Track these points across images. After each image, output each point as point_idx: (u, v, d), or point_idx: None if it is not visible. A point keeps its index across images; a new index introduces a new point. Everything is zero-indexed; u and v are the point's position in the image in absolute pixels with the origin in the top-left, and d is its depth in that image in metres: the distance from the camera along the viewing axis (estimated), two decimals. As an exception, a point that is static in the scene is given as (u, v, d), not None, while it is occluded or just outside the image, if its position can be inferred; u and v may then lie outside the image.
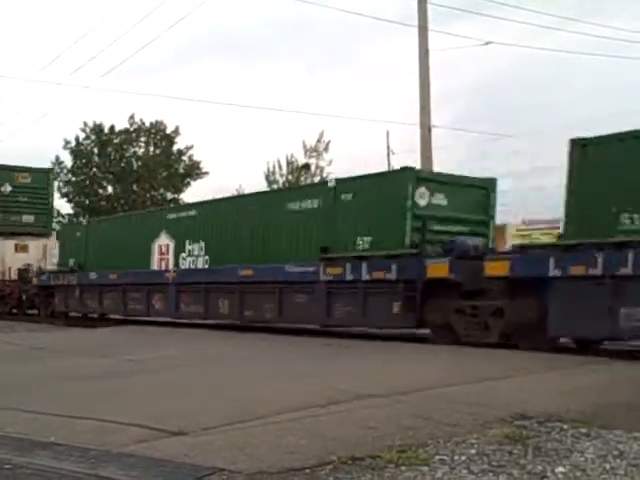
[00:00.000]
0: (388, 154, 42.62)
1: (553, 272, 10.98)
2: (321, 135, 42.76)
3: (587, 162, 11.28)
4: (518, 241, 19.32)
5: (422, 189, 13.72)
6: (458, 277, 12.36)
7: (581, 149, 11.31)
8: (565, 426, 5.58)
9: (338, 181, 15.11)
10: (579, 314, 10.69)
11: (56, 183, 45.72)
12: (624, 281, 10.29)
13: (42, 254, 26.65)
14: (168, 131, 47.25)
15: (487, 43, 23.38)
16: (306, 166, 42.85)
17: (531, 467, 4.49)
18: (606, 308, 10.37)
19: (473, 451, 4.89)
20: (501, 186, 15.18)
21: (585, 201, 11.28)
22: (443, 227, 13.95)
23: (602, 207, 11.00)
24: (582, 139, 11.32)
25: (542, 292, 11.27)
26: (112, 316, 22.24)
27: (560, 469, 4.42)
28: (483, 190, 14.89)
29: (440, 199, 14.06)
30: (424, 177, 14.43)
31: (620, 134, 11.05)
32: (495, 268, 11.82)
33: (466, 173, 15.90)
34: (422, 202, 13.70)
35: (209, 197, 21.35)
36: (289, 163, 43.86)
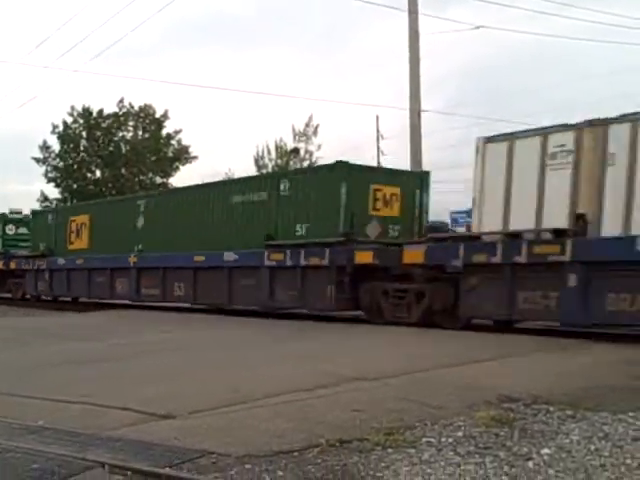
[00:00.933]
0: (378, 138, 42.63)
1: (460, 260, 12.16)
2: (310, 119, 42.70)
3: None
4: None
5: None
6: (383, 263, 13.49)
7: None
8: (551, 408, 5.62)
9: (280, 174, 17.11)
10: (483, 297, 11.89)
11: (43, 168, 45.69)
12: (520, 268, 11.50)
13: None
14: (157, 115, 47.02)
15: (478, 27, 23.36)
16: (295, 150, 42.76)
17: (517, 449, 4.53)
18: (506, 292, 11.60)
19: (460, 433, 4.93)
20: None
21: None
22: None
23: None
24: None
25: (454, 278, 12.43)
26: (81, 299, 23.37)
27: (546, 450, 4.47)
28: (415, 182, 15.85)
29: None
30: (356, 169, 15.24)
31: None
32: (413, 256, 13.01)
33: (458, 157, 16.22)
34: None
35: (198, 181, 21.25)
36: (278, 147, 43.76)
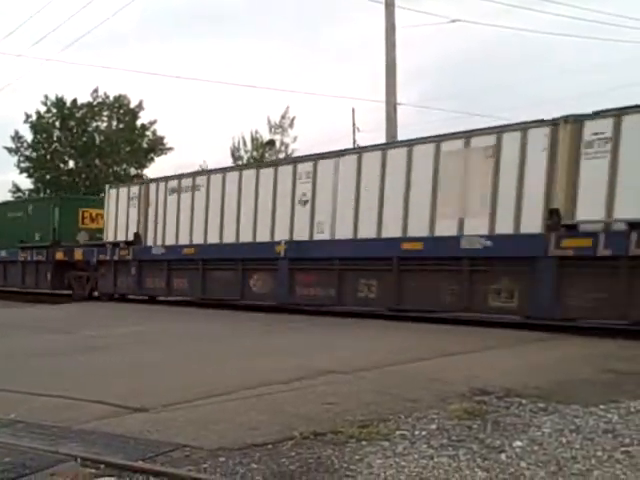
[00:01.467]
0: (354, 131, 42.56)
1: (94, 258, 20.35)
2: (286, 111, 42.60)
3: None
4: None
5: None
6: (70, 259, 21.18)
7: None
8: (524, 401, 5.68)
9: (28, 200, 30.18)
10: (107, 281, 20.02)
11: (15, 158, 45.10)
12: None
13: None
14: (132, 106, 46.62)
15: (453, 21, 23.47)
16: (271, 142, 42.66)
17: (490, 441, 4.57)
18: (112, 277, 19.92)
19: (433, 426, 4.96)
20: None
21: None
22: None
23: None
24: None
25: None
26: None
27: (518, 443, 4.51)
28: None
29: None
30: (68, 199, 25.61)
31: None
32: (78, 255, 20.94)
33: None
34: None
35: (172, 173, 20.93)
36: (254, 139, 43.64)
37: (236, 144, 43.77)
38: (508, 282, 11.62)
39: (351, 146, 36.34)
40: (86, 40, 79.57)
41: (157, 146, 47.20)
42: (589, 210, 10.87)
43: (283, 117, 42.65)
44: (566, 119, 11.19)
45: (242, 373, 7.21)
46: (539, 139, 11.56)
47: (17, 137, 45.58)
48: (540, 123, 11.65)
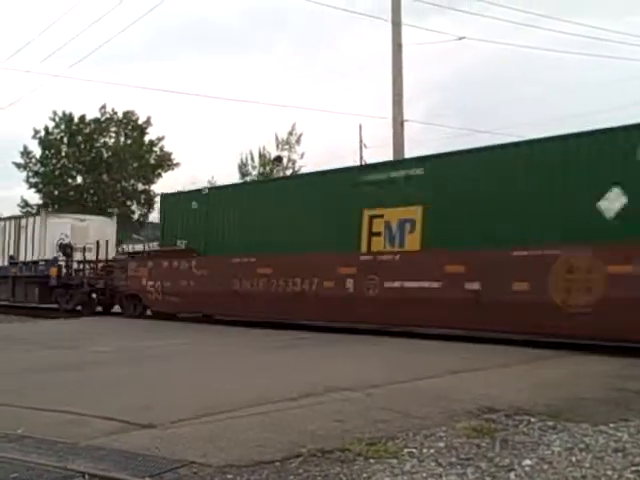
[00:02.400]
0: (360, 148, 42.62)
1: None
2: (293, 127, 42.71)
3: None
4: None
5: None
6: None
7: None
8: (532, 419, 5.65)
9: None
10: None
11: (24, 174, 45.29)
12: None
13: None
14: (140, 121, 46.84)
15: (460, 38, 23.40)
16: (278, 159, 42.72)
17: (499, 460, 4.54)
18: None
19: (442, 444, 4.94)
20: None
21: None
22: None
23: None
24: None
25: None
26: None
27: (527, 462, 4.48)
28: None
29: None
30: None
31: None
32: None
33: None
34: None
35: (179, 189, 20.80)
36: (261, 155, 43.74)
37: (244, 160, 43.90)
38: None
39: (358, 162, 36.48)
40: (95, 56, 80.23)
41: (165, 162, 47.35)
42: None
43: (290, 133, 42.79)
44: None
45: (249, 389, 7.19)
46: None
47: (26, 153, 45.81)
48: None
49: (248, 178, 41.36)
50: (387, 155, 20.43)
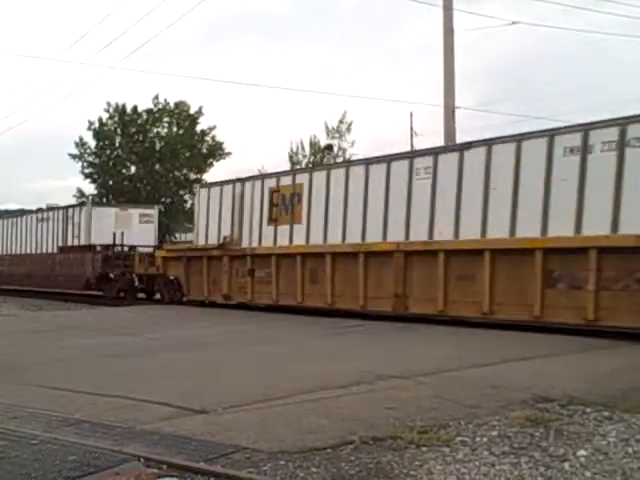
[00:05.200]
0: (411, 135, 42.44)
1: None
2: (344, 116, 42.64)
3: None
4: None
5: None
6: None
7: None
8: (588, 409, 5.56)
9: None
10: None
11: (79, 164, 46.22)
12: None
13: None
14: (191, 111, 47.27)
15: (514, 23, 23.01)
16: (329, 147, 42.72)
17: (553, 450, 4.49)
18: None
19: (494, 433, 4.90)
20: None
21: None
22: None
23: None
24: None
25: None
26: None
27: (582, 452, 4.41)
28: None
29: None
30: None
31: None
32: None
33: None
34: None
35: (230, 178, 20.94)
36: (312, 144, 43.81)
37: (294, 149, 44.03)
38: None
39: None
40: (147, 48, 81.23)
41: (216, 151, 47.73)
42: None
43: (341, 121, 42.74)
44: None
45: (301, 376, 7.22)
46: None
47: (81, 144, 46.68)
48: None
49: (298, 167, 41.46)
50: (439, 142, 20.23)
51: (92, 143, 46.74)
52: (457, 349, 9.63)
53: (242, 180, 18.06)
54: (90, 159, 47.00)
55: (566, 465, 4.17)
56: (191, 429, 5.06)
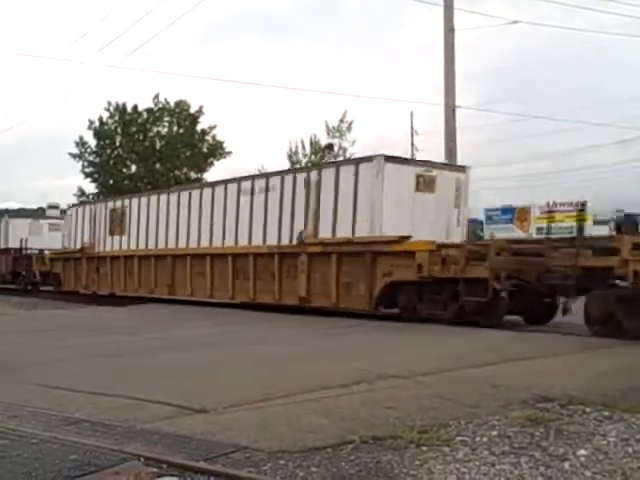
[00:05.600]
0: (412, 135, 42.49)
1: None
2: (344, 115, 42.62)
3: None
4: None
5: None
6: None
7: None
8: (588, 409, 5.55)
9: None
10: None
11: (79, 163, 46.27)
12: None
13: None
14: (192, 111, 47.28)
15: (514, 22, 23.04)
16: (329, 146, 42.72)
17: (553, 449, 4.48)
18: None
19: (494, 432, 4.89)
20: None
21: None
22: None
23: None
24: None
25: None
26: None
27: (582, 452, 4.41)
28: None
29: None
30: None
31: None
32: None
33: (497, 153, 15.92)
34: None
35: (231, 177, 21.07)
36: (313, 143, 43.78)
37: (293, 148, 44.01)
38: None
39: (409, 149, 36.24)
40: (148, 47, 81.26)
41: (217, 150, 47.74)
42: None
43: (342, 121, 42.72)
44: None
45: (301, 376, 7.23)
46: None
47: (81, 143, 46.69)
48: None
49: (298, 166, 41.47)
50: (439, 142, 20.25)
51: (92, 142, 46.80)
52: (453, 348, 9.63)
53: (95, 202, 27.81)
54: (90, 158, 47.03)
55: (566, 465, 4.17)
56: (191, 428, 5.06)
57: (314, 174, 16.14)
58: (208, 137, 47.73)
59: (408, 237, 13.68)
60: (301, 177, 16.39)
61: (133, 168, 47.56)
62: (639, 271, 10.36)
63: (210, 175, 46.59)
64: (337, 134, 42.91)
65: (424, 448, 4.51)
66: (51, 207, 35.03)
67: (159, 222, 20.69)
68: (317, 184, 15.69)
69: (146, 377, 7.45)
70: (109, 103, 46.58)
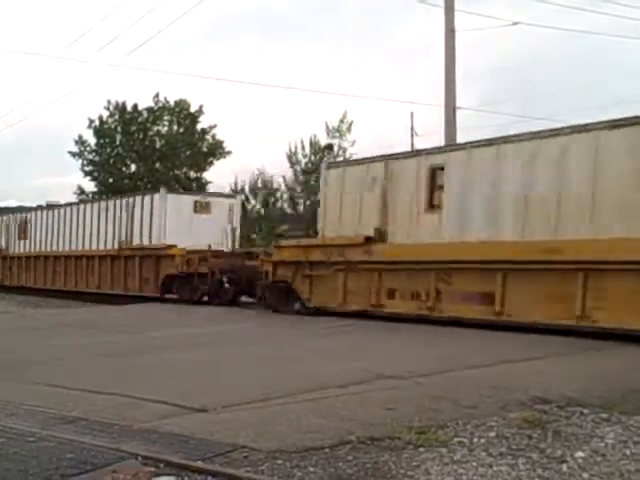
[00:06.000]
0: (412, 135, 42.37)
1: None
2: (344, 115, 42.58)
3: None
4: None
5: None
6: None
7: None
8: (585, 411, 5.55)
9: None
10: None
11: (79, 162, 46.25)
12: None
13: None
14: (192, 110, 47.23)
15: (515, 23, 23.00)
16: (329, 147, 42.67)
17: (550, 451, 4.48)
18: None
19: (492, 434, 4.89)
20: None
21: None
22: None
23: None
24: None
25: None
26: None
27: (580, 454, 4.41)
28: None
29: None
30: None
31: None
32: None
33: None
34: None
35: (231, 177, 21.15)
36: (312, 143, 43.73)
37: (292, 149, 43.95)
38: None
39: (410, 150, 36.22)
40: (148, 46, 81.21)
41: (217, 150, 47.69)
42: None
43: (341, 121, 42.68)
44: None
45: (299, 375, 7.22)
46: None
47: (81, 141, 46.64)
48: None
49: (297, 167, 41.43)
50: (439, 142, 20.23)
51: (92, 141, 46.75)
52: (450, 350, 9.61)
53: (10, 214, 31.20)
54: (90, 157, 46.98)
55: (564, 467, 4.17)
56: (189, 428, 5.06)
57: (131, 200, 22.38)
58: (208, 136, 47.66)
59: (174, 246, 19.95)
60: (123, 202, 22.68)
61: (133, 167, 47.48)
62: (269, 271, 16.19)
63: (210, 175, 46.62)
64: (337, 134, 42.86)
65: (422, 449, 4.51)
66: (50, 205, 34.98)
67: (49, 231, 26.82)
68: (132, 207, 21.91)
69: (145, 376, 7.44)
70: (109, 102, 46.54)
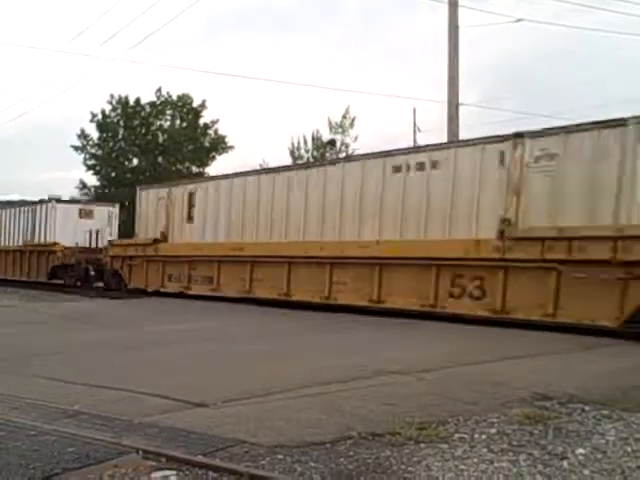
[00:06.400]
0: (414, 131, 42.29)
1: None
2: (347, 111, 42.53)
3: None
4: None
5: None
6: None
7: None
8: (587, 408, 5.55)
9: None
10: None
11: (81, 156, 46.26)
12: None
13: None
14: (194, 104, 47.20)
15: (518, 20, 22.94)
16: (332, 142, 42.64)
17: (551, 448, 4.48)
18: None
19: (493, 430, 4.89)
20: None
21: None
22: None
23: None
24: None
25: None
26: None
27: (581, 450, 4.41)
28: None
29: None
30: None
31: None
32: None
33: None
34: None
35: (233, 171, 21.12)
36: (315, 139, 43.69)
37: (295, 144, 43.92)
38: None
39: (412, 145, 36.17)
40: (151, 40, 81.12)
41: (219, 145, 47.67)
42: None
43: (344, 116, 42.64)
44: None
45: (299, 371, 7.23)
46: None
47: (83, 135, 46.63)
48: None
49: (300, 161, 41.37)
50: (442, 138, 20.21)
51: (95, 135, 46.74)
52: (452, 346, 9.63)
53: None
54: (93, 151, 46.97)
55: (565, 463, 4.17)
56: (191, 422, 5.06)
57: (33, 208, 28.17)
58: (210, 131, 47.64)
59: (57, 243, 25.97)
60: (28, 209, 28.47)
61: (135, 161, 47.46)
62: (107, 262, 23.45)
63: (212, 169, 46.58)
64: (339, 130, 42.83)
65: (422, 445, 4.51)
66: (52, 199, 35.01)
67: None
68: (34, 213, 27.91)
69: (146, 371, 7.45)
70: (112, 96, 46.51)
